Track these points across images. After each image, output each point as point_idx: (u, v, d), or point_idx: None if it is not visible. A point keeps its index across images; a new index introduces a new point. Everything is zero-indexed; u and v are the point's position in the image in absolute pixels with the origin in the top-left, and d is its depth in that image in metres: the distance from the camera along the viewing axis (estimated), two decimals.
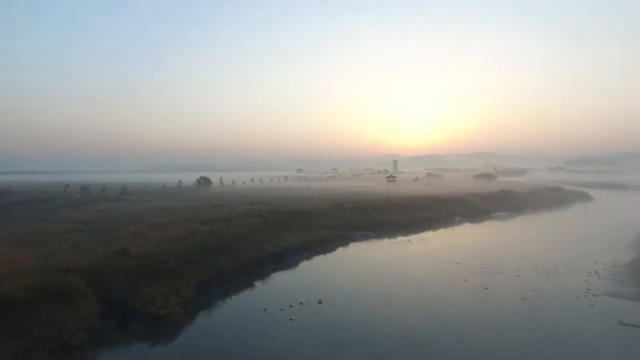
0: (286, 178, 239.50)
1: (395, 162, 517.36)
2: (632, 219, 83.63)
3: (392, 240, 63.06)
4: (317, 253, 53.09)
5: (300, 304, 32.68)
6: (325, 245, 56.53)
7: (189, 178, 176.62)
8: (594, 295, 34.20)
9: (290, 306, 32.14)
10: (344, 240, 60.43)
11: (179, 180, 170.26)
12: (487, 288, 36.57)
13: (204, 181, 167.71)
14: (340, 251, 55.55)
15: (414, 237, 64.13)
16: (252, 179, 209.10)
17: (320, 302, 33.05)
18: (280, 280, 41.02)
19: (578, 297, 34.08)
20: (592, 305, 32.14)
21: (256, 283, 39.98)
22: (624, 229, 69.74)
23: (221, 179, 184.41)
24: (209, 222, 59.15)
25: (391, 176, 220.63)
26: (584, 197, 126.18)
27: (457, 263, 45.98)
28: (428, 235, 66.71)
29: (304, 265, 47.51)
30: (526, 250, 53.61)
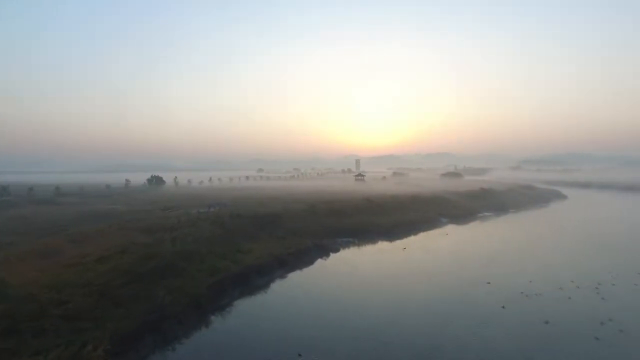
0: (247, 177, 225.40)
1: (357, 162, 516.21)
2: (623, 217, 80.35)
3: (380, 248, 52.74)
4: (293, 268, 41.73)
5: None
6: (302, 257, 45.13)
7: (142, 178, 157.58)
8: None
9: None
10: (323, 250, 49.28)
11: (127, 180, 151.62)
12: (547, 322, 26.44)
13: (156, 181, 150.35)
14: (320, 265, 44.27)
15: (405, 244, 54.27)
16: (210, 179, 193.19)
17: None
18: (244, 317, 28.94)
19: None
20: None
21: (212, 320, 28.16)
22: (626, 230, 65.05)
23: (175, 178, 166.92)
24: (150, 231, 46.03)
25: (360, 175, 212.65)
26: (558, 195, 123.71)
27: (488, 283, 35.25)
28: (420, 241, 56.86)
29: (276, 288, 35.86)
30: (544, 259, 44.53)
